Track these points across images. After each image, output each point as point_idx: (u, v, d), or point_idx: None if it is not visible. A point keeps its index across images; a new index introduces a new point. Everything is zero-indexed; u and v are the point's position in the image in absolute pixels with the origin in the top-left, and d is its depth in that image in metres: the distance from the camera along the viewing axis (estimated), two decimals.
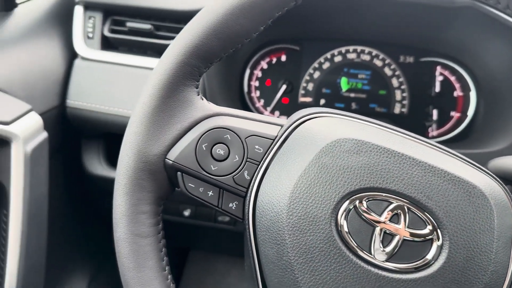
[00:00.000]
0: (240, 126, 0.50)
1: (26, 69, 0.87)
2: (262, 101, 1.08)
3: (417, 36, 1.01)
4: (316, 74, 1.06)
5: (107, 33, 0.98)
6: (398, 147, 0.45)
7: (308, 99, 1.06)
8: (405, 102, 1.04)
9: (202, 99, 0.51)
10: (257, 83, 1.08)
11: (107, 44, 1.01)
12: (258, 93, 1.08)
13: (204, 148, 0.50)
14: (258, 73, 1.08)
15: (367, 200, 0.44)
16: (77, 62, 0.99)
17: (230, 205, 0.50)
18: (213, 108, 0.51)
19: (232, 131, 0.50)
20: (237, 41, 0.49)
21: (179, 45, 0.48)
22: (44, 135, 0.81)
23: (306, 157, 0.45)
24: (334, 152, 0.45)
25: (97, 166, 1.05)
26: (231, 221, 1.09)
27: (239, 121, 0.50)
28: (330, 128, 0.47)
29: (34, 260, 0.81)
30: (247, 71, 1.08)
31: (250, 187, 0.49)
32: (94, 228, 1.26)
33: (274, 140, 0.49)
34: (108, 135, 1.06)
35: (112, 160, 1.08)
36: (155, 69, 0.49)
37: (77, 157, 1.05)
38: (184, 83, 0.49)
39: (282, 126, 0.51)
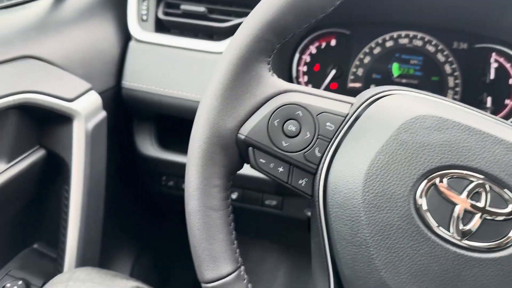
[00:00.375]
0: (311, 103, 0.50)
1: (84, 49, 0.88)
2: (310, 86, 1.08)
3: (472, 22, 0.99)
4: (367, 59, 1.05)
5: (161, 15, 0.99)
6: (479, 125, 0.44)
7: (358, 85, 1.05)
8: (458, 89, 1.02)
9: (273, 75, 0.51)
10: (305, 68, 1.07)
11: (160, 26, 1.02)
12: (306, 78, 1.08)
13: (276, 124, 0.50)
14: (306, 58, 1.07)
15: (447, 178, 0.43)
16: (132, 44, 1.01)
17: (300, 181, 0.50)
18: (284, 84, 0.51)
19: (304, 107, 0.50)
20: (311, 16, 0.49)
21: (255, 20, 0.48)
22: (103, 114, 0.83)
23: (383, 134, 0.45)
24: (414, 129, 0.44)
25: (149, 147, 1.07)
26: (278, 205, 1.09)
27: (310, 98, 0.50)
28: (408, 105, 0.46)
29: (91, 235, 0.84)
30: (296, 56, 1.07)
31: (321, 164, 0.49)
32: (140, 209, 1.28)
33: (345, 117, 0.49)
34: (159, 118, 1.07)
35: (163, 142, 1.09)
36: (230, 44, 0.49)
37: (129, 138, 1.07)
38: (258, 59, 0.49)
39: (352, 104, 0.50)
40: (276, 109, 0.50)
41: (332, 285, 0.50)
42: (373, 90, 0.50)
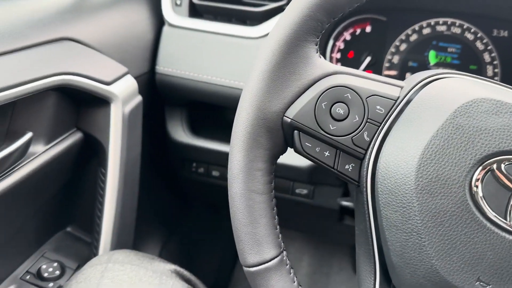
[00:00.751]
0: (361, 85, 0.48)
1: (119, 33, 0.88)
2: None
3: None
4: (403, 47, 1.02)
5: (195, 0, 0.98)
6: None
7: (393, 72, 1.03)
8: (497, 78, 0.99)
9: (321, 57, 0.50)
10: (338, 55, 1.06)
11: (194, 11, 1.01)
12: (339, 65, 1.06)
13: (324, 107, 0.49)
14: (340, 44, 1.05)
15: (505, 164, 0.42)
16: (165, 29, 1.00)
17: (347, 166, 0.49)
18: (333, 66, 0.50)
19: (353, 90, 0.48)
20: None
21: None
22: (139, 98, 0.83)
23: (438, 118, 0.43)
24: (471, 113, 0.42)
25: (180, 133, 1.06)
26: (309, 194, 1.08)
27: (359, 80, 0.49)
28: (463, 88, 0.45)
29: (126, 219, 0.84)
30: (330, 42, 1.05)
31: (370, 149, 0.48)
32: (169, 194, 1.28)
33: (396, 100, 0.48)
34: (191, 104, 1.07)
35: (194, 128, 1.09)
36: (278, 23, 0.48)
37: (161, 124, 1.07)
38: (306, 39, 0.48)
39: (402, 87, 0.49)
40: (324, 91, 0.48)
41: (378, 273, 0.49)
42: (424, 73, 0.49)
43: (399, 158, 0.44)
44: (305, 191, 1.08)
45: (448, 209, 0.42)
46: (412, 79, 0.49)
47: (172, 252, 1.29)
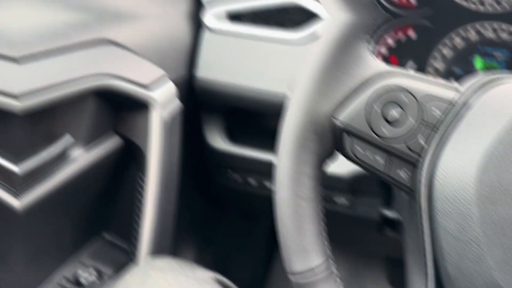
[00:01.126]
0: (416, 86, 0.46)
1: (157, 36, 0.88)
2: None
3: None
4: (447, 52, 0.99)
5: None
6: None
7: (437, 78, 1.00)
8: None
9: (373, 57, 0.48)
10: (379, 60, 1.03)
11: (233, 15, 1.00)
12: None
13: (376, 109, 0.46)
14: (381, 49, 1.03)
15: None
16: (204, 33, 0.99)
17: (399, 172, 0.47)
18: (385, 66, 0.48)
19: (408, 91, 0.46)
20: None
21: None
22: (178, 103, 0.82)
23: (501, 122, 0.41)
24: None
25: (217, 140, 1.05)
26: (348, 204, 1.05)
27: (414, 82, 0.47)
28: None
29: (165, 225, 0.83)
30: (371, 47, 1.03)
31: (425, 154, 0.45)
32: (203, 202, 1.27)
33: (454, 104, 0.45)
34: (228, 110, 1.06)
35: (232, 135, 1.08)
36: (331, 21, 0.47)
37: (196, 130, 1.06)
38: (359, 37, 0.46)
39: (458, 89, 0.46)
40: (377, 93, 0.46)
41: (431, 286, 0.46)
42: (485, 76, 0.46)
43: (459, 164, 0.41)
44: (344, 201, 1.05)
45: (511, 218, 0.39)
46: (472, 81, 0.46)
47: (206, 260, 1.27)
